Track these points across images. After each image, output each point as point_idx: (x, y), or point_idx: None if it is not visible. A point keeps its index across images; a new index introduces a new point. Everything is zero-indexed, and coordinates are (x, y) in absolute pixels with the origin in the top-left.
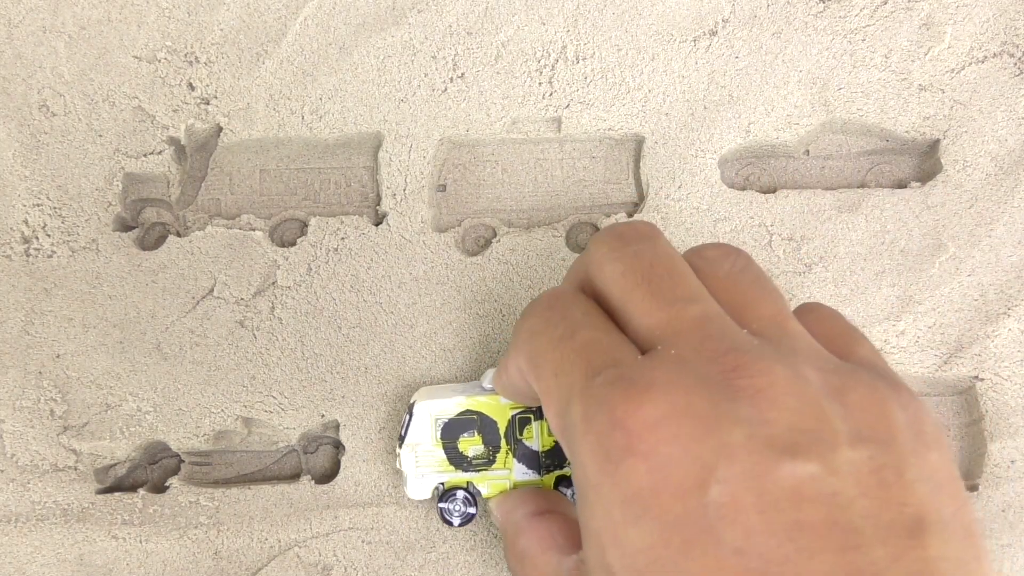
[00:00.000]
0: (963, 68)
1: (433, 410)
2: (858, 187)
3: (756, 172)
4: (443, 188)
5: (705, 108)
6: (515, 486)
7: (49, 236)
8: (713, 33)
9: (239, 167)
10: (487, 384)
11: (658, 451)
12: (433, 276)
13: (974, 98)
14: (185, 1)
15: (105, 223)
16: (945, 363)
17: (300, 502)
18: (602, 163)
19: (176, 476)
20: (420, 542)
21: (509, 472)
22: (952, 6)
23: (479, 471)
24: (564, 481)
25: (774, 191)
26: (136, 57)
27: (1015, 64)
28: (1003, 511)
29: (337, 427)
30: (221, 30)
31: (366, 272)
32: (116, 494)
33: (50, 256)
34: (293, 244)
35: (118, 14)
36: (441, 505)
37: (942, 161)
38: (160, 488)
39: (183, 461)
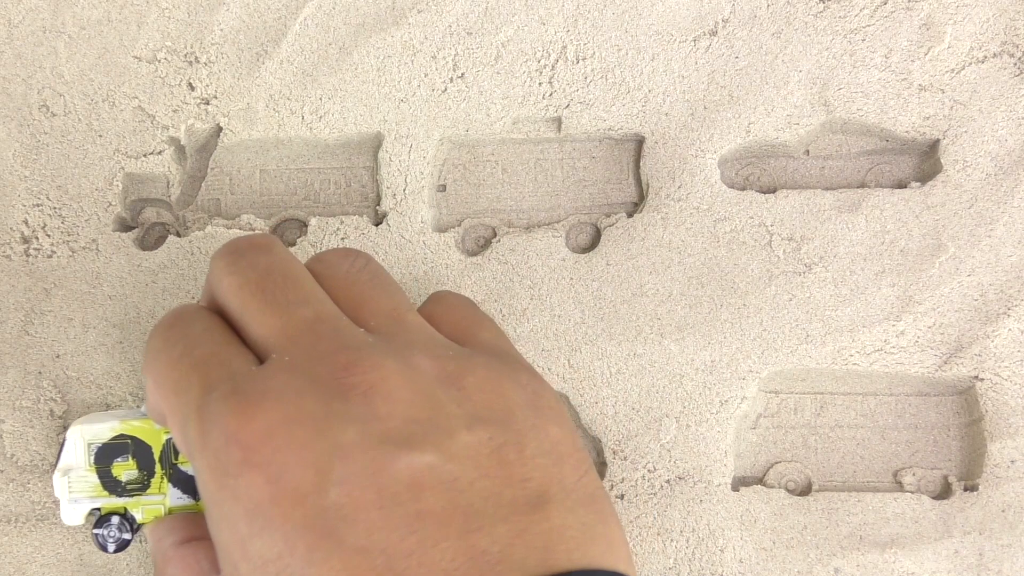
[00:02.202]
0: (963, 68)
1: (86, 434)
2: (858, 187)
3: (756, 172)
4: (443, 188)
5: (705, 108)
6: (170, 511)
7: (49, 236)
8: (713, 33)
9: (239, 167)
10: (144, 407)
11: (273, 460)
12: (433, 276)
13: (974, 98)
14: (185, 1)
15: (105, 223)
16: (945, 363)
17: None
18: (602, 163)
19: None
20: None
21: (164, 497)
22: (952, 6)
23: (133, 496)
24: None
25: (774, 191)
26: (136, 57)
27: (1015, 64)
28: (1003, 511)
29: None
30: (221, 30)
31: None
32: None
33: (50, 256)
34: (293, 244)
35: (118, 14)
36: (96, 531)
37: (942, 161)
38: None
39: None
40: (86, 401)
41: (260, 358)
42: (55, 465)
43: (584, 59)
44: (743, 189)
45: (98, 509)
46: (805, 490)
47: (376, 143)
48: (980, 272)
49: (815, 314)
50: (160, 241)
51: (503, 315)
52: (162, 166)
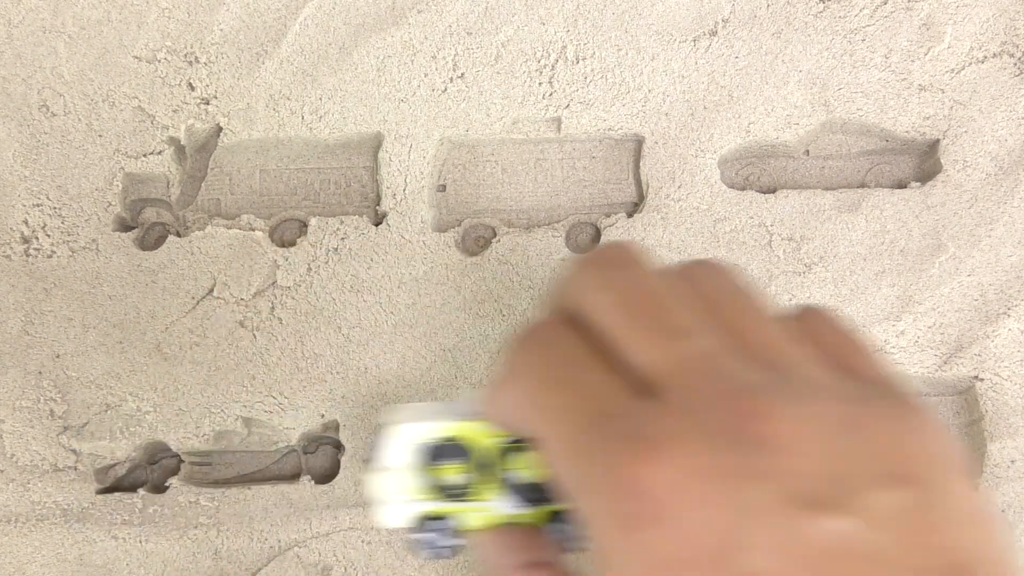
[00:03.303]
0: (963, 68)
1: (413, 433)
2: (858, 187)
3: (756, 172)
4: (443, 188)
5: (705, 108)
6: (501, 520)
7: (49, 236)
8: (713, 33)
9: (239, 167)
10: (469, 406)
11: (680, 518)
12: (433, 276)
13: (974, 98)
14: (185, 1)
15: (105, 223)
16: (945, 363)
17: (300, 502)
18: (602, 163)
19: (176, 476)
20: None
21: (493, 505)
22: (952, 6)
23: (460, 501)
24: (557, 516)
25: (774, 191)
26: (136, 57)
27: (1015, 64)
28: (1003, 511)
29: (337, 427)
30: (221, 30)
31: (366, 272)
32: (116, 494)
33: (50, 256)
34: (293, 244)
35: (118, 14)
36: (416, 536)
37: (942, 161)
38: (160, 488)
39: (183, 461)
40: (86, 401)
41: (637, 387)
42: (373, 462)
43: (584, 59)
44: (743, 189)
45: (418, 514)
46: None
47: (376, 143)
48: (980, 272)
49: None
50: (160, 241)
51: (503, 315)
52: (162, 166)
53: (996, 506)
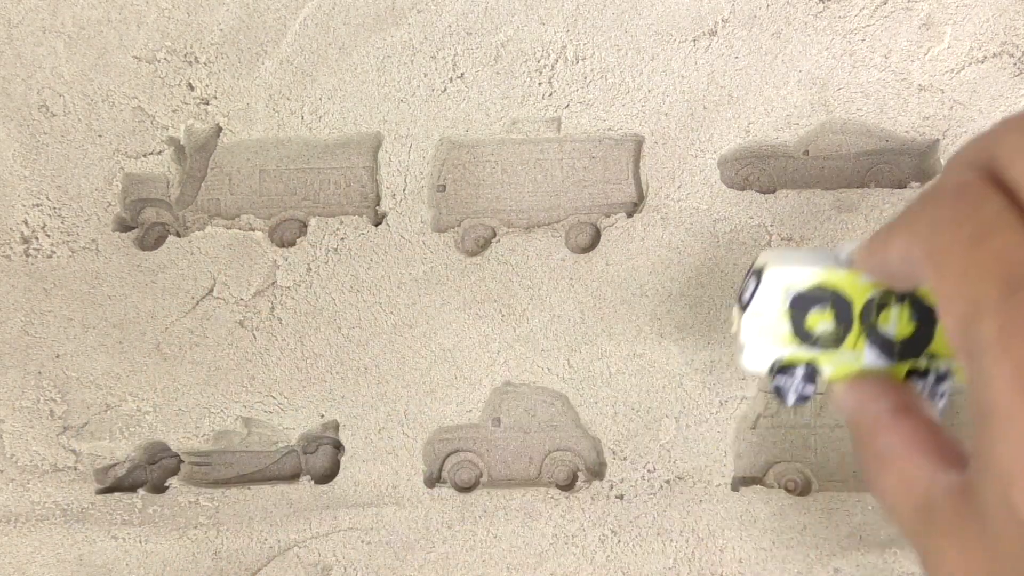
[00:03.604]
0: (963, 68)
1: (785, 279)
2: (858, 187)
3: (756, 172)
4: (443, 188)
5: (705, 108)
6: (863, 371)
7: (49, 236)
8: (713, 33)
9: (239, 167)
10: (844, 256)
11: None
12: (433, 276)
13: (974, 98)
14: (185, 1)
15: (105, 223)
16: None
17: (300, 502)
18: (602, 163)
19: (176, 476)
20: (420, 542)
21: (858, 355)
22: (952, 6)
23: (824, 349)
24: (915, 374)
25: (774, 191)
26: (136, 57)
27: (1015, 64)
28: None
29: (337, 427)
30: (221, 30)
31: (366, 272)
32: (116, 494)
33: (50, 256)
34: (293, 244)
35: (118, 14)
36: (777, 381)
37: (942, 161)
38: (160, 488)
39: (183, 461)
40: (86, 401)
41: None
42: (745, 305)
43: (584, 59)
44: (743, 189)
45: (780, 358)
46: (805, 490)
47: (376, 143)
48: None
49: None
50: (160, 241)
51: (503, 315)
52: (162, 166)
53: None
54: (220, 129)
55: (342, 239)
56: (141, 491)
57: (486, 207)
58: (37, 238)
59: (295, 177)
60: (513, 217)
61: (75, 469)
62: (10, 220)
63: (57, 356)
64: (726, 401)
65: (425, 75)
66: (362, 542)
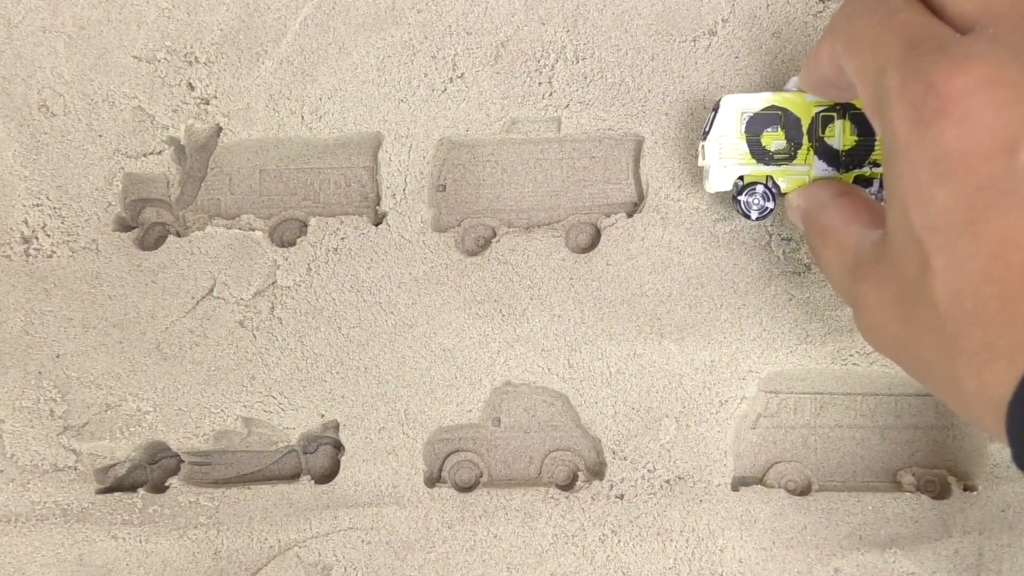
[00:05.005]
0: None
1: (739, 104)
2: None
3: None
4: (443, 188)
5: (705, 108)
6: (814, 181)
7: (49, 236)
8: (713, 33)
9: (239, 167)
10: (791, 87)
11: (969, 116)
12: (433, 276)
13: None
14: (185, 1)
15: (105, 223)
16: None
17: (300, 502)
18: (602, 163)
19: (176, 476)
20: (420, 542)
21: (809, 168)
22: None
23: (779, 165)
24: (862, 181)
25: None
26: (136, 57)
27: None
28: (1003, 511)
29: (337, 427)
30: (221, 30)
31: (366, 272)
32: (116, 494)
33: (50, 256)
34: (293, 244)
35: (118, 14)
36: (740, 198)
37: None
38: (160, 488)
39: (183, 461)
40: (86, 401)
41: (957, 32)
42: (706, 133)
43: (584, 59)
44: None
45: (741, 178)
46: (805, 490)
47: (376, 143)
48: None
49: (815, 314)
50: (160, 241)
51: (503, 315)
52: (162, 166)
53: (997, 506)
54: (220, 129)
55: (342, 239)
56: (141, 491)
57: (486, 207)
58: (37, 238)
59: (295, 177)
60: (513, 217)
61: (75, 469)
62: (10, 220)
63: (57, 356)
64: (726, 401)
65: (425, 75)
66: (362, 542)
